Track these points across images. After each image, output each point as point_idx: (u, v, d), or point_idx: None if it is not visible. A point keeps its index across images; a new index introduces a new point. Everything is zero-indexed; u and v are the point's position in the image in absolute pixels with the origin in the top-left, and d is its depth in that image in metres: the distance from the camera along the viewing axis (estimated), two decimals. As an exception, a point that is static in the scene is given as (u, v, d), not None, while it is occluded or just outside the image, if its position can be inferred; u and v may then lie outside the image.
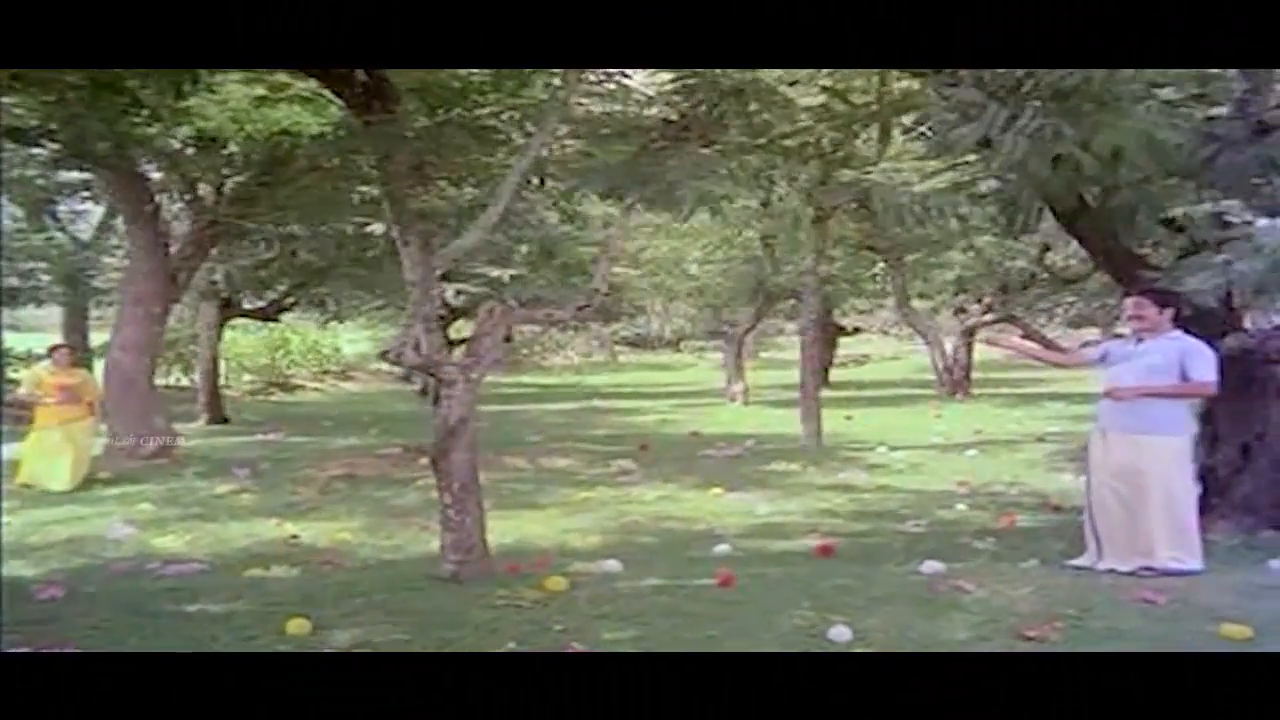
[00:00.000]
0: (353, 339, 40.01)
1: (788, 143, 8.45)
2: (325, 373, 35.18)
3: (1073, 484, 12.38)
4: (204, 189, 16.15)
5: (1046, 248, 23.03)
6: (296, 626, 6.20)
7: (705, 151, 7.80)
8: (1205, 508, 9.28)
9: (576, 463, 15.30)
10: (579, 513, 11.53)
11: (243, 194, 15.47)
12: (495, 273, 26.38)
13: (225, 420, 22.31)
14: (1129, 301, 8.07)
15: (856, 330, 37.15)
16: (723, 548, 9.49)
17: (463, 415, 7.36)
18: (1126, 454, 7.70)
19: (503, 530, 10.36)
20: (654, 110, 8.06)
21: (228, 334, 29.15)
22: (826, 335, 34.64)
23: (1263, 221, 8.28)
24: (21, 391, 14.13)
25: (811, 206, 15.88)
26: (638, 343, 55.92)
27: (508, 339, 35.17)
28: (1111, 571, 7.68)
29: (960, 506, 11.46)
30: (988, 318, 25.98)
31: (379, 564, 8.87)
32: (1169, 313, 7.84)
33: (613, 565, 8.08)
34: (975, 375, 29.19)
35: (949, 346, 28.78)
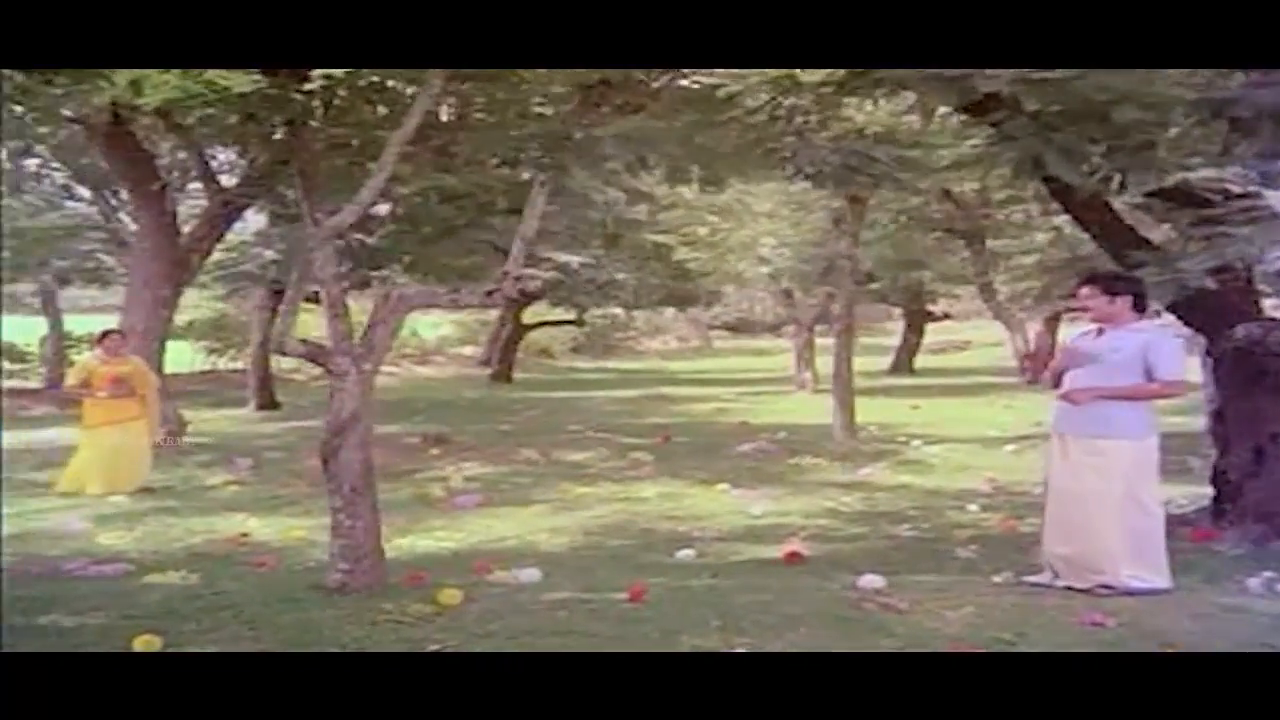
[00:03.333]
0: (436, 322, 39.82)
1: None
2: (402, 357, 34.87)
3: None
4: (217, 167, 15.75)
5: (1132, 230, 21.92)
6: (143, 644, 5.72)
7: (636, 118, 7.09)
8: (1215, 514, 8.55)
9: (594, 455, 14.71)
10: (566, 510, 11.01)
11: (258, 173, 14.95)
12: (563, 258, 25.90)
13: (276, 405, 21.94)
14: (1079, 290, 7.25)
15: (946, 316, 36.03)
16: (685, 552, 8.93)
17: (355, 410, 6.78)
18: (1084, 459, 6.91)
19: (472, 529, 10.03)
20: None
21: (299, 317, 29.05)
22: (915, 321, 33.81)
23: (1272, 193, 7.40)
24: (70, 383, 12.81)
25: (860, 185, 15.04)
26: (738, 327, 55.18)
27: (579, 323, 34.81)
28: (1069, 590, 6.89)
29: (973, 508, 10.73)
30: (1072, 303, 24.87)
31: (306, 569, 8.30)
32: (1125, 301, 7.00)
33: (530, 575, 7.52)
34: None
35: (1031, 333, 27.69)
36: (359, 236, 22.15)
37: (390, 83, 6.89)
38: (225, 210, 15.38)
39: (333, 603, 6.64)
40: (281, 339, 6.57)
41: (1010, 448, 14.69)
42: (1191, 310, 8.47)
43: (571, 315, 33.71)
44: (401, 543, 9.49)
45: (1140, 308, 7.08)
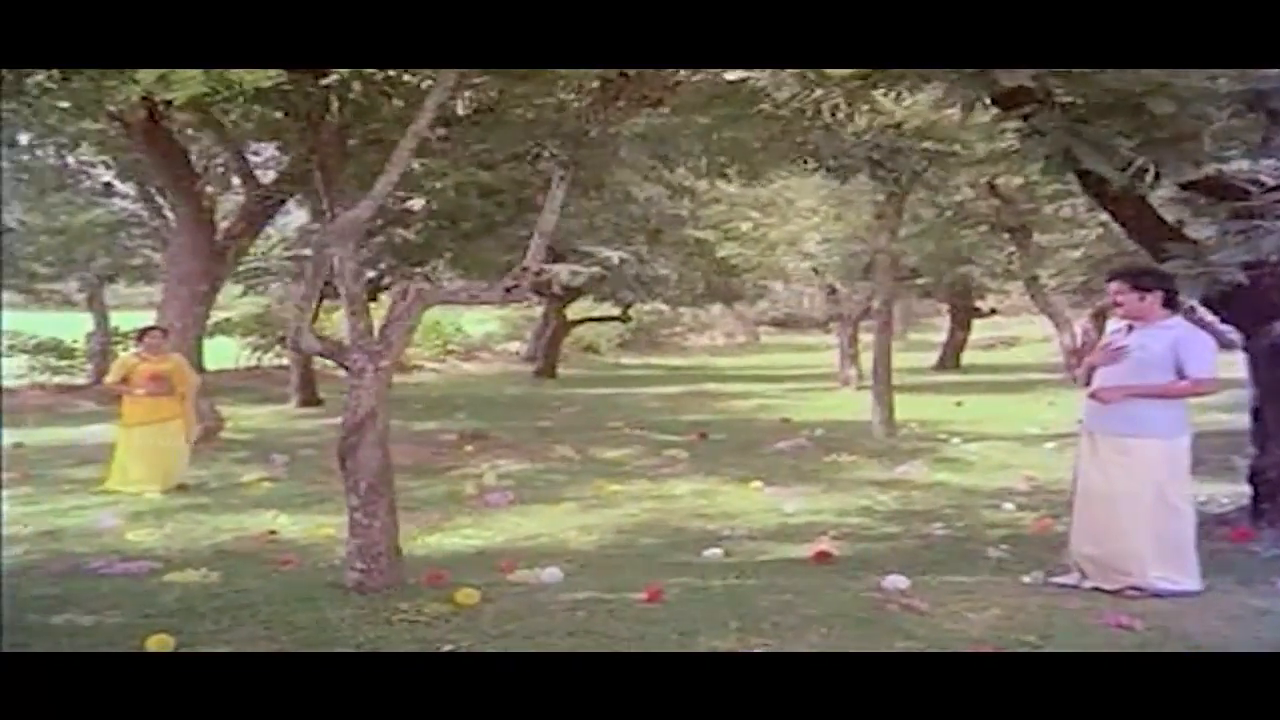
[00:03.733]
0: (482, 318, 39.81)
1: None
2: (447, 353, 34.88)
3: None
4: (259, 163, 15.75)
5: (1180, 224, 21.59)
6: (157, 643, 5.68)
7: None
8: (1254, 514, 8.39)
9: (630, 452, 14.62)
10: (598, 508, 10.92)
11: (295, 168, 14.92)
12: (606, 253, 25.83)
13: (319, 402, 21.95)
14: (1109, 286, 7.09)
15: (993, 311, 35.69)
16: (713, 552, 8.84)
17: (372, 408, 6.73)
18: (1113, 459, 6.75)
19: (501, 527, 9.96)
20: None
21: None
22: (961, 317, 33.52)
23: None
24: (109, 380, 12.56)
25: (881, 180, 14.88)
26: (786, 323, 55.02)
27: (624, 318, 34.70)
28: (1097, 591, 6.74)
29: (1009, 506, 10.57)
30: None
31: (331, 567, 8.24)
32: (1155, 297, 6.84)
33: (551, 574, 7.44)
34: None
35: (1078, 329, 27.35)
36: (400, 232, 22.29)
37: (406, 77, 6.80)
38: (262, 206, 15.37)
39: (349, 602, 6.57)
40: (298, 336, 6.50)
41: (1051, 445, 14.48)
42: (1228, 306, 8.30)
43: (617, 311, 33.62)
44: (430, 540, 9.47)
45: (1171, 304, 6.92)
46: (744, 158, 7.43)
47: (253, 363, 28.15)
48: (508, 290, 7.02)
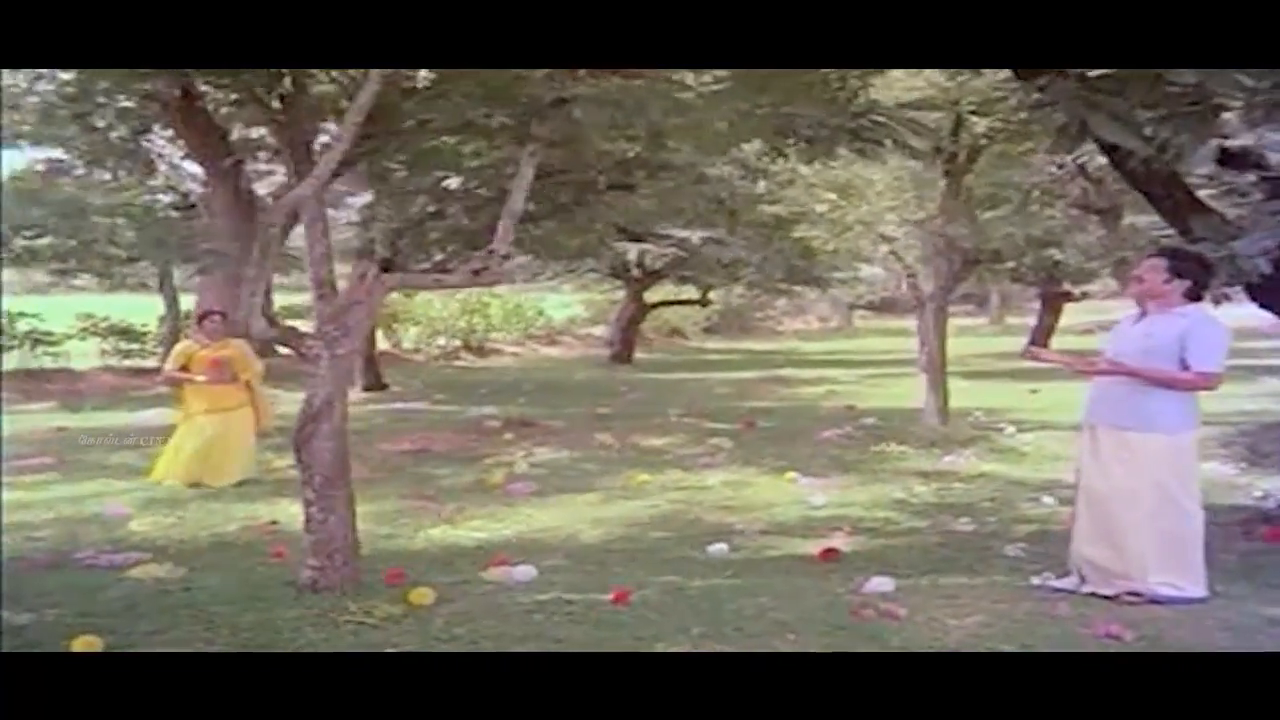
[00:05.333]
0: (566, 302, 39.61)
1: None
2: (528, 337, 34.69)
3: (1212, 474, 10.86)
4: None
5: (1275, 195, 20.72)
6: (83, 645, 5.45)
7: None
8: None
9: (673, 440, 14.21)
10: (620, 499, 10.60)
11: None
12: (682, 234, 25.46)
13: (384, 387, 21.79)
14: (1145, 261, 6.59)
15: (1084, 295, 34.71)
16: (718, 547, 8.46)
17: (329, 397, 6.40)
18: (1114, 454, 6.28)
19: (513, 519, 9.70)
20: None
21: (421, 296, 28.96)
22: (1050, 302, 32.66)
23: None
24: (168, 368, 11.88)
25: (940, 159, 14.36)
26: (882, 307, 54.28)
27: (703, 302, 34.23)
28: (1094, 596, 6.29)
29: (1048, 500, 10.05)
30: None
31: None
32: (1181, 284, 6.34)
33: (524, 573, 7.15)
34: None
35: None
36: (466, 221, 22.01)
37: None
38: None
39: (301, 602, 6.31)
40: (248, 320, 6.18)
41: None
42: (1267, 293, 7.77)
43: (707, 296, 33.23)
44: (434, 533, 9.22)
45: (1195, 295, 6.43)
46: (706, 129, 6.99)
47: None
48: (475, 273, 6.69)
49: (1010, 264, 26.47)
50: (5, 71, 13.89)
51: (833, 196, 23.27)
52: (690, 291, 32.65)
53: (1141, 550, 6.20)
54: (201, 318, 12.05)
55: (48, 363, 21.87)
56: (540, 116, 6.24)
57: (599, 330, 36.55)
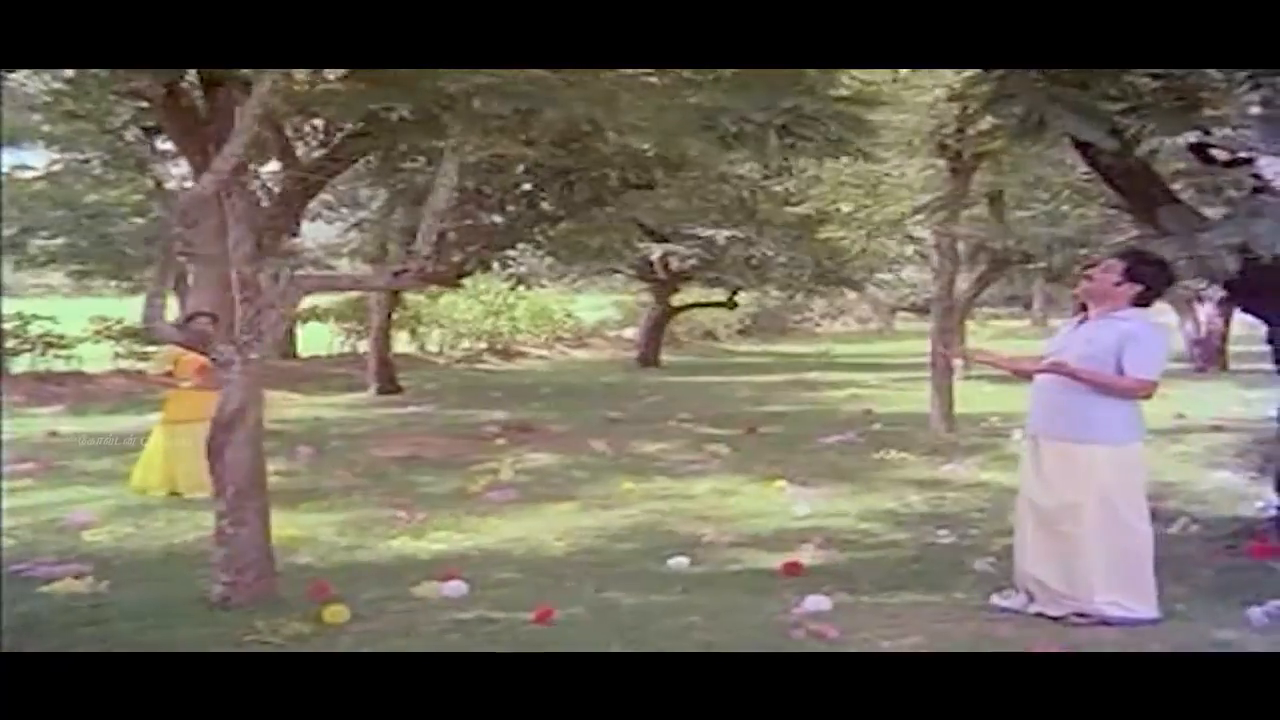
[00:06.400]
0: (599, 304, 39.31)
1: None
2: (557, 340, 34.40)
3: (1222, 483, 10.90)
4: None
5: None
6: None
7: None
8: None
9: (670, 446, 13.87)
10: (598, 508, 10.27)
11: (342, 149, 14.30)
12: (706, 233, 25.12)
13: (397, 390, 21.55)
14: (1100, 262, 6.24)
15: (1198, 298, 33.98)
16: (678, 560, 8.10)
17: (241, 404, 6.12)
18: (1057, 466, 5.92)
19: (478, 529, 9.49)
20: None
21: (446, 298, 28.73)
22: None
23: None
24: (153, 371, 11.69)
25: (945, 157, 13.98)
26: (925, 309, 53.63)
27: (729, 304, 33.82)
28: (1041, 616, 5.93)
29: (1039, 511, 9.58)
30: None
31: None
32: (1132, 288, 6.00)
33: (454, 589, 6.87)
34: (1237, 349, 26.10)
35: (1203, 315, 25.92)
36: (492, 218, 21.75)
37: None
38: (301, 186, 14.74)
39: (210, 618, 6.10)
40: (150, 323, 5.88)
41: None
42: (1251, 295, 7.39)
43: (734, 298, 32.84)
44: (393, 544, 8.93)
45: (1144, 300, 6.08)
46: (626, 120, 6.64)
47: (347, 349, 27.83)
48: (395, 275, 6.39)
49: (1042, 264, 25.98)
50: (25, 73, 13.65)
51: (857, 193, 22.94)
52: (719, 294, 32.24)
53: (1087, 569, 5.85)
54: (189, 319, 11.31)
55: (60, 366, 21.66)
56: (445, 108, 5.93)
57: (629, 333, 36.20)
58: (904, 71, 12.19)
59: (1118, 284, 6.02)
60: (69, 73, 11.68)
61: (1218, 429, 14.64)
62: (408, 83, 5.77)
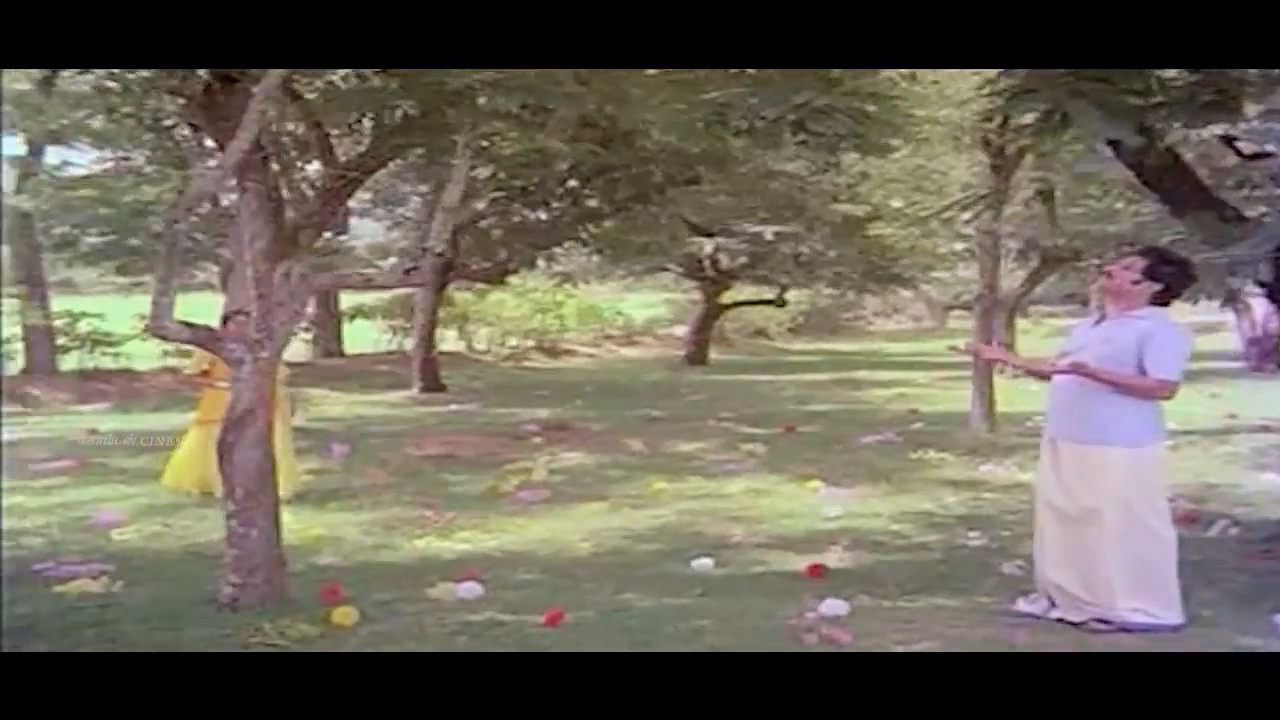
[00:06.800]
0: (650, 302, 39.17)
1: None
2: (606, 338, 34.29)
3: (1267, 484, 10.61)
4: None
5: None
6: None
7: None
8: None
9: (706, 445, 13.74)
10: (629, 509, 10.17)
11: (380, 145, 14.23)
12: (754, 228, 24.95)
13: (441, 388, 21.51)
14: (1124, 258, 6.10)
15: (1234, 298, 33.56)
16: (703, 561, 8.02)
17: (252, 403, 6.06)
18: (1076, 469, 5.78)
19: (505, 529, 9.39)
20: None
21: (495, 296, 28.70)
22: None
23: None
24: (188, 371, 11.57)
25: (988, 153, 13.79)
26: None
27: (779, 302, 33.58)
28: (1062, 622, 5.79)
29: (1073, 512, 9.42)
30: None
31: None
32: (1151, 286, 5.84)
33: (469, 590, 6.81)
34: (1296, 346, 25.63)
35: (1258, 313, 25.48)
36: (538, 215, 21.71)
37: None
38: (340, 185, 14.70)
39: (218, 620, 6.04)
40: (158, 321, 5.83)
41: (1167, 443, 13.17)
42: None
43: (783, 295, 32.62)
44: (418, 544, 8.88)
45: (1163, 300, 5.93)
46: (631, 116, 6.54)
47: (394, 347, 27.83)
48: (406, 273, 6.32)
49: (1095, 261, 25.67)
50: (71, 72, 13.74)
51: (905, 189, 22.75)
52: (769, 293, 32.03)
53: (1108, 574, 5.71)
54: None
55: (108, 364, 21.77)
56: (450, 105, 5.85)
57: (680, 331, 36.04)
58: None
59: (1136, 282, 5.87)
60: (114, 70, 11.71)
61: (1266, 429, 14.33)
62: (411, 80, 5.70)
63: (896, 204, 24.58)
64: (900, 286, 32.24)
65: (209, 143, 21.35)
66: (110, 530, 9.16)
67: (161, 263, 5.92)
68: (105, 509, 9.87)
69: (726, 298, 30.86)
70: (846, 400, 20.45)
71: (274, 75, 5.62)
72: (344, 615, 5.95)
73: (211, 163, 21.97)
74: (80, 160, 22.69)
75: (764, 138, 6.05)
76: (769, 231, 24.88)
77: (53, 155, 22.47)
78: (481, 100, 5.59)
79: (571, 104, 5.90)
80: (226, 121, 11.91)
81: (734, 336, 36.73)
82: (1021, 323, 29.01)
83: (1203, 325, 40.02)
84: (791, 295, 33.57)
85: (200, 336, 6.17)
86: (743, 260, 28.18)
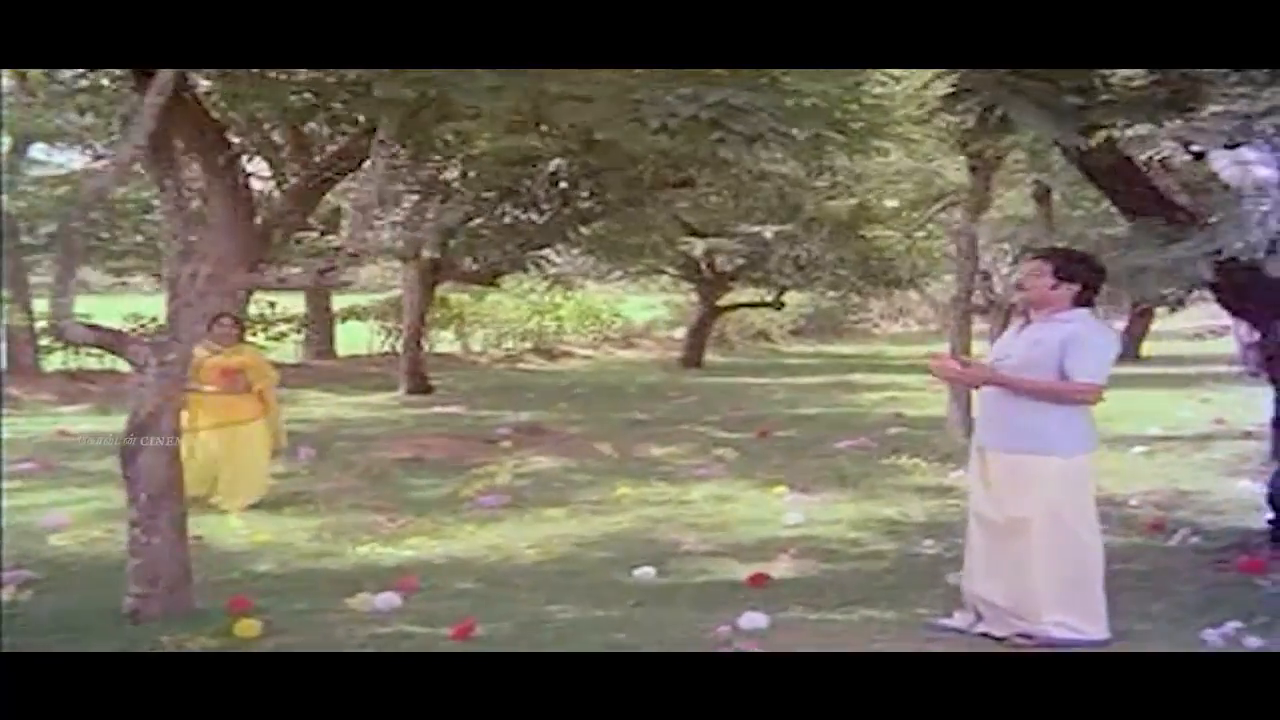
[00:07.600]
0: (650, 304, 38.95)
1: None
2: (604, 340, 34.08)
3: (1242, 493, 10.22)
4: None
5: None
6: None
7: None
8: (1274, 539, 7.17)
9: (677, 450, 13.53)
10: (589, 515, 10.03)
11: (354, 145, 14.05)
12: (751, 230, 24.74)
13: (428, 390, 21.32)
14: (1025, 266, 5.96)
15: (1180, 302, 33.26)
16: (644, 570, 7.83)
17: (157, 407, 5.87)
18: (1004, 479, 5.60)
19: (454, 536, 9.26)
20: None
21: (492, 297, 28.55)
22: (1141, 306, 31.35)
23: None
24: None
25: (966, 155, 13.57)
26: (984, 309, 52.78)
27: (776, 305, 33.34)
28: (986, 637, 5.63)
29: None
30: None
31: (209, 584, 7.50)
32: (1069, 288, 5.66)
33: (386, 600, 6.64)
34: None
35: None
36: (529, 215, 21.52)
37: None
38: (314, 185, 14.51)
39: (119, 632, 5.85)
40: (59, 323, 5.65)
41: (1141, 449, 12.98)
42: (1240, 298, 7.03)
43: (781, 297, 32.35)
44: (363, 550, 8.67)
45: (1085, 300, 5.75)
46: (552, 111, 6.36)
47: (387, 348, 27.63)
48: (321, 273, 6.14)
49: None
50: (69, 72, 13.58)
51: (898, 190, 22.51)
52: (768, 295, 31.76)
53: (1035, 586, 5.53)
54: (211, 322, 10.40)
55: (92, 364, 21.64)
56: (357, 96, 5.69)
57: (680, 333, 35.81)
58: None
59: (1054, 287, 5.69)
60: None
61: (1249, 436, 14.09)
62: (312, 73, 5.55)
63: (892, 203, 24.35)
64: (899, 288, 31.97)
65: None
66: (56, 534, 8.99)
67: (60, 263, 5.74)
68: (53, 513, 9.71)
69: (725, 300, 30.61)
70: (835, 404, 20.22)
71: (167, 72, 5.42)
72: (246, 628, 5.77)
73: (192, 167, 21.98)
74: (63, 159, 22.62)
75: (683, 136, 5.87)
76: (767, 231, 24.68)
77: (36, 154, 22.40)
78: (377, 91, 5.40)
79: (487, 98, 5.68)
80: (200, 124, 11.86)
81: (734, 338, 36.48)
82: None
83: (1208, 330, 39.92)
84: (794, 298, 33.32)
85: (104, 339, 5.99)
86: (740, 262, 27.92)
